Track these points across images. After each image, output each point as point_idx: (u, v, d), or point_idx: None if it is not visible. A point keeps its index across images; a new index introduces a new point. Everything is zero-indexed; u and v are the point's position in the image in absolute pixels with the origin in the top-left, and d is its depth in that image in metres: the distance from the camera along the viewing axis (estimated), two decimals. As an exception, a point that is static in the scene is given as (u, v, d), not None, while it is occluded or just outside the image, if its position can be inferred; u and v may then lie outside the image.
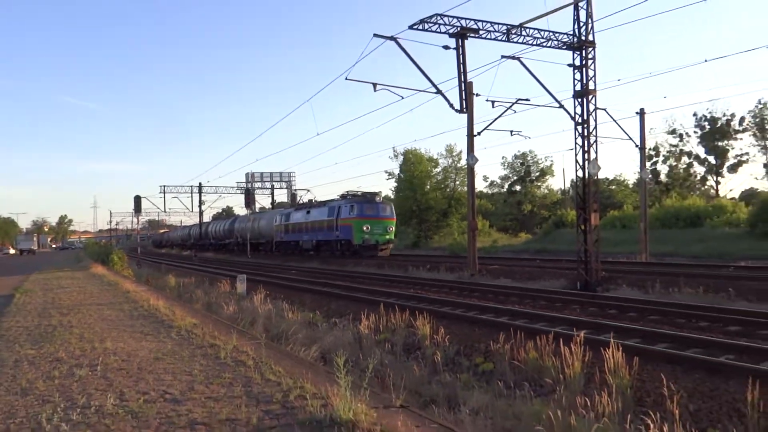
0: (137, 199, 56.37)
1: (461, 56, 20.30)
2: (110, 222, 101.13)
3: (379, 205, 37.45)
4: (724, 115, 39.69)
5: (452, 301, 15.07)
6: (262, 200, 75.93)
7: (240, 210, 78.32)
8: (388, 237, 37.12)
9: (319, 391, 5.61)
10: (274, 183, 75.42)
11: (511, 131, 28.21)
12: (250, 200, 65.06)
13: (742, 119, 39.56)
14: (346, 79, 21.58)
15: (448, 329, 10.76)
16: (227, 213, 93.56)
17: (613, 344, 7.23)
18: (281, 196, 78.31)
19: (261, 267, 35.38)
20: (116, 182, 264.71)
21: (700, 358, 7.93)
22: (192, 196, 62.05)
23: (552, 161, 63.29)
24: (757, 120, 39.10)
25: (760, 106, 39.55)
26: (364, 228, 36.02)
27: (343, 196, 40.27)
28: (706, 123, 39.31)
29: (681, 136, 46.48)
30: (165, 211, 71.28)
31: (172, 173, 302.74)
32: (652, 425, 5.27)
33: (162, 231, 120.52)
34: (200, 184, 61.56)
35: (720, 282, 15.57)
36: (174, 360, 7.29)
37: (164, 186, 62.00)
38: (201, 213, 63.46)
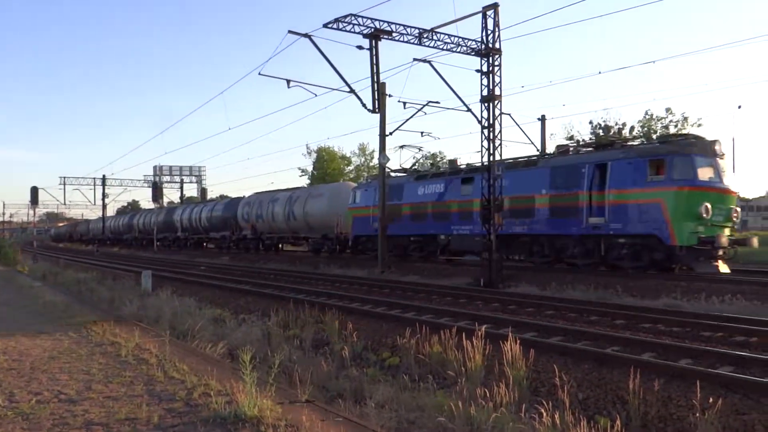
0: (34, 191, 52.79)
1: (374, 57, 20.52)
2: (2, 214, 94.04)
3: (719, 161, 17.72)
4: (616, 124, 42.38)
5: (362, 297, 15.26)
6: (171, 194, 73.24)
7: (147, 204, 75.00)
8: (729, 227, 17.75)
9: (224, 388, 5.58)
10: (183, 177, 72.94)
11: (422, 132, 28.76)
12: (157, 194, 62.54)
13: (632, 128, 42.38)
14: (260, 74, 21.25)
15: (357, 325, 10.92)
16: (133, 207, 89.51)
17: (511, 338, 7.60)
18: (191, 190, 75.90)
19: (169, 263, 34.16)
20: (10, 171, 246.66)
21: (589, 350, 8.49)
22: (95, 189, 58.81)
23: (460, 162, 65.06)
24: (645, 129, 42.01)
25: (647, 117, 42.50)
26: (702, 210, 16.46)
27: (601, 144, 20.96)
28: (600, 130, 41.74)
29: (578, 142, 49.21)
30: (65, 204, 67.12)
31: (73, 164, 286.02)
32: (544, 413, 5.61)
33: (61, 224, 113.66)
34: (104, 176, 58.46)
35: (609, 280, 16.63)
36: (71, 359, 7.00)
37: (64, 177, 58.38)
38: (104, 206, 60.31)
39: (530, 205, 20.46)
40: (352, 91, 21.74)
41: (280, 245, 39.26)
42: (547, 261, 20.85)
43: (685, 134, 21.17)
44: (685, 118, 41.85)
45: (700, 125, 41.54)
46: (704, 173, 17.10)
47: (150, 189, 62.68)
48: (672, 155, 17.20)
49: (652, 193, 17.21)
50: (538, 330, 10.21)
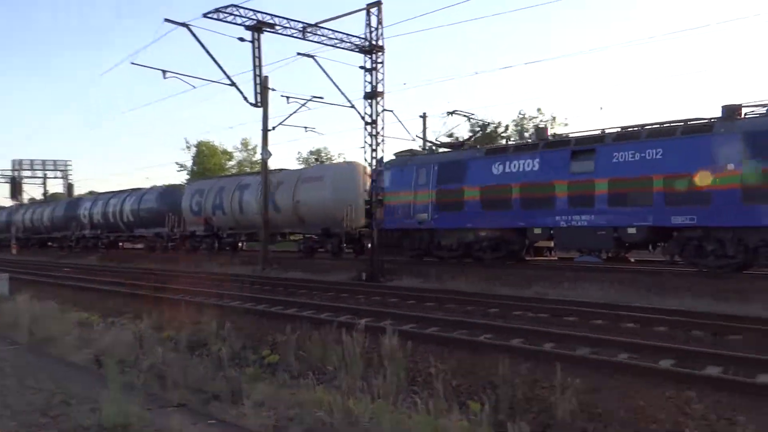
0: None
1: (257, 49, 20.13)
2: None
3: None
4: (492, 123, 44.55)
5: (242, 295, 14.95)
6: (32, 191, 67.55)
7: (5, 201, 68.57)
8: None
9: (88, 396, 5.26)
10: (47, 172, 67.51)
11: (306, 127, 28.50)
12: (16, 190, 57.58)
13: (507, 127, 44.61)
14: (132, 63, 20.14)
15: (236, 323, 10.67)
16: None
17: (389, 330, 7.76)
18: (56, 186, 70.38)
19: (30, 265, 31.54)
20: None
21: (463, 338, 8.87)
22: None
23: (345, 158, 65.24)
24: (518, 128, 44.41)
25: (520, 117, 44.97)
26: None
27: None
28: (479, 129, 43.70)
29: (457, 139, 51.28)
30: None
31: None
32: (419, 402, 5.78)
33: None
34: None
35: (488, 272, 17.46)
36: None
37: None
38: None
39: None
40: (233, 83, 21.22)
41: (240, 244, 32.18)
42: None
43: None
44: (554, 118, 44.65)
45: (566, 125, 44.52)
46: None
47: (8, 185, 57.55)
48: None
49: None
50: (417, 321, 10.50)
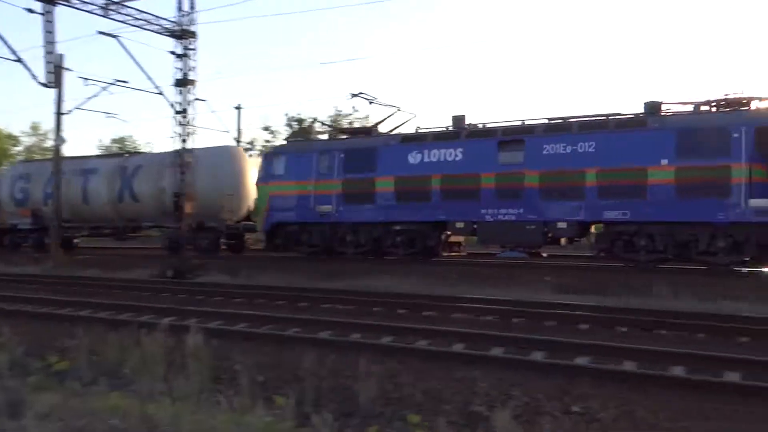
0: None
1: (49, 23, 18.17)
2: None
3: None
4: (308, 117, 44.95)
5: (24, 297, 13.43)
6: None
7: None
8: None
9: None
10: None
11: (107, 113, 26.34)
12: None
13: (323, 122, 45.43)
14: None
15: (18, 329, 9.56)
16: None
17: (194, 329, 7.50)
18: None
19: None
20: None
21: (271, 333, 8.86)
22: None
23: (152, 148, 61.32)
24: (335, 124, 45.44)
25: (336, 113, 45.96)
26: None
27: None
28: (295, 123, 43.76)
29: (273, 132, 50.90)
30: None
31: None
32: (223, 400, 5.67)
33: None
34: None
35: (296, 264, 17.61)
36: None
37: None
38: None
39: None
40: (18, 59, 18.92)
41: (75, 240, 27.23)
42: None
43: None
44: (367, 116, 46.13)
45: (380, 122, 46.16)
46: None
47: None
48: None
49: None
50: (225, 318, 10.27)
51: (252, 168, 22.79)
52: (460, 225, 17.45)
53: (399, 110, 20.63)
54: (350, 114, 46.48)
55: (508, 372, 6.71)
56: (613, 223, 15.67)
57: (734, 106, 15.17)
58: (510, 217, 16.46)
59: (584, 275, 14.89)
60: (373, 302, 11.67)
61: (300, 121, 44.74)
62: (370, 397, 6.15)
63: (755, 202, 13.95)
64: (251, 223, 22.73)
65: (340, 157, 19.07)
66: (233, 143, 26.67)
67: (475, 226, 17.21)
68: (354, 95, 21.07)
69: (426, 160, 17.76)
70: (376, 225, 18.56)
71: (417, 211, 17.82)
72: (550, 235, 16.40)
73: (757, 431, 5.16)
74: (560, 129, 16.51)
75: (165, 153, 24.22)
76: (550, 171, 15.98)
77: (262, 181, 20.91)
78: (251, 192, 22.37)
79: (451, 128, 18.31)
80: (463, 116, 18.23)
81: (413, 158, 17.92)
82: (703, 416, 5.39)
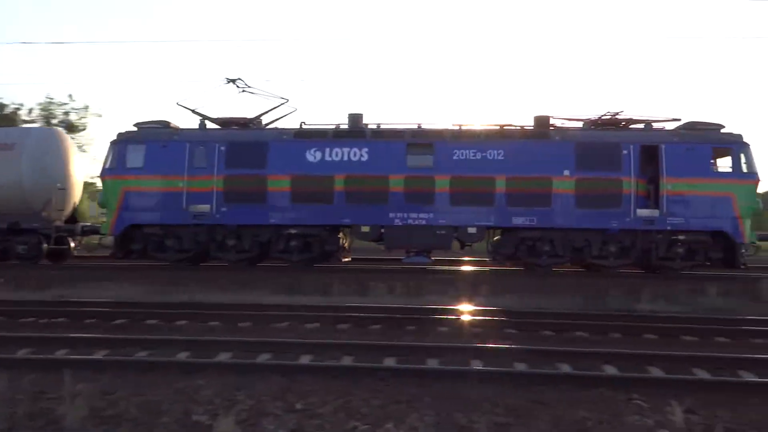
0: None
1: None
2: None
3: None
4: (13, 104, 39.05)
5: None
6: None
7: None
8: None
9: None
10: None
11: None
12: None
13: (31, 110, 39.95)
14: None
15: None
16: None
17: None
18: None
19: None
20: None
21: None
22: None
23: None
24: (46, 113, 40.27)
25: (48, 101, 40.79)
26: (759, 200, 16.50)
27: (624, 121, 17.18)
28: (-4, 108, 37.75)
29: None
30: None
31: None
32: None
33: None
34: None
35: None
36: None
37: None
38: None
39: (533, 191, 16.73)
40: None
41: None
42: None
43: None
44: (86, 107, 41.76)
45: (100, 116, 42.24)
46: None
47: None
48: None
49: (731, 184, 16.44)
50: None
51: (76, 156, 19.61)
52: (365, 229, 16.66)
53: (287, 101, 18.07)
54: (65, 103, 41.65)
55: (233, 377, 6.65)
56: (520, 229, 16.34)
57: (615, 124, 17.09)
58: (421, 222, 16.37)
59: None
60: (86, 313, 10.58)
61: (2, 106, 38.59)
62: (78, 418, 5.55)
63: (641, 212, 15.89)
64: (91, 225, 19.15)
65: (221, 150, 16.84)
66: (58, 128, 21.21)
67: (382, 230, 16.58)
68: (231, 81, 18.32)
69: (328, 158, 16.63)
70: (265, 228, 16.87)
71: (318, 214, 16.68)
72: (461, 240, 16.77)
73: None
74: (470, 136, 16.83)
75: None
76: (461, 176, 16.25)
77: (111, 173, 17.35)
78: (77, 186, 19.44)
79: (347, 127, 17.29)
80: (361, 115, 17.43)
81: (312, 156, 16.66)
82: (409, 399, 6.00)
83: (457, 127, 16.96)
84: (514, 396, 6.10)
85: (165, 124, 17.67)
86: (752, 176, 16.04)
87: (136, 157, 16.98)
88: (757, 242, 16.33)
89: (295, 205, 16.54)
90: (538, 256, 16.40)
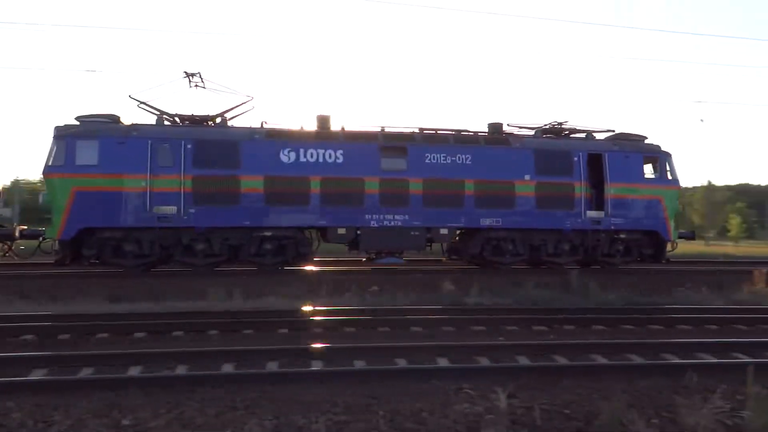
0: None
1: None
2: None
3: None
4: None
5: None
6: None
7: None
8: None
9: None
10: None
11: None
12: None
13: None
14: None
15: None
16: None
17: None
18: None
19: None
20: None
21: None
22: None
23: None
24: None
25: None
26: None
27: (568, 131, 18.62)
28: None
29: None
30: None
31: None
32: None
33: None
34: None
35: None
36: None
37: None
38: None
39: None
40: None
41: None
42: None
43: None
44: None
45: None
46: None
47: None
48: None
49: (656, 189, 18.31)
50: None
51: None
52: (341, 231, 16.61)
53: (251, 99, 17.30)
54: None
55: (49, 396, 6.03)
56: (486, 230, 17.20)
57: (559, 133, 18.54)
58: (396, 223, 16.68)
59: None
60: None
61: None
62: None
63: (590, 213, 17.57)
64: (30, 229, 17.08)
65: (187, 148, 15.72)
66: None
67: (358, 232, 16.60)
68: (190, 75, 17.02)
69: (303, 159, 16.33)
70: (239, 230, 16.08)
71: (294, 216, 16.40)
72: (434, 240, 17.29)
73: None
74: (439, 140, 17.30)
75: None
76: (433, 179, 16.75)
77: (59, 171, 15.46)
78: None
79: (317, 127, 17.10)
80: (329, 116, 17.25)
81: (286, 157, 16.26)
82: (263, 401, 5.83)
83: (427, 132, 17.55)
84: (352, 394, 6.19)
85: (114, 119, 16.20)
86: (676, 182, 18.39)
87: (88, 154, 15.41)
88: (677, 240, 18.62)
89: (269, 207, 16.15)
90: (502, 255, 17.47)
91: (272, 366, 7.32)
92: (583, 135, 18.71)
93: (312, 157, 16.33)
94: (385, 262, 17.12)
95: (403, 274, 16.05)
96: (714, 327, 10.53)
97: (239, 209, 15.95)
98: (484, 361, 7.69)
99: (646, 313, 11.34)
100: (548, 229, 17.47)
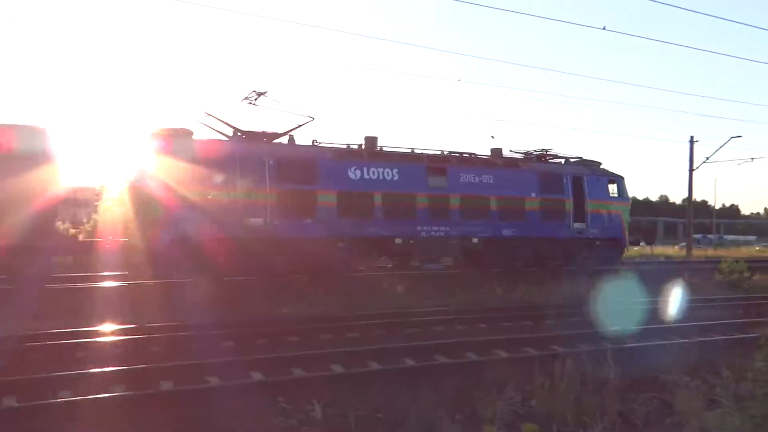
0: None
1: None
2: None
3: None
4: None
5: None
6: None
7: None
8: None
9: None
10: None
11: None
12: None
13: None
14: None
15: None
16: None
17: None
18: None
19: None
20: None
21: None
22: None
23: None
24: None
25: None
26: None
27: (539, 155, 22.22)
28: None
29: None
30: None
31: None
32: None
33: None
34: None
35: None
36: None
37: None
38: None
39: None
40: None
41: None
42: None
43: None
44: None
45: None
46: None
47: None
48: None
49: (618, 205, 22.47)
50: None
51: None
52: (398, 241, 17.90)
53: (312, 119, 17.66)
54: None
55: None
56: (506, 239, 19.60)
57: (544, 158, 21.85)
58: (440, 234, 18.45)
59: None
60: None
61: None
62: None
63: (576, 225, 20.76)
64: None
65: (270, 164, 16.09)
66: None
67: (411, 242, 17.99)
68: (259, 94, 17.51)
69: (366, 177, 17.66)
70: (320, 240, 16.45)
71: (367, 226, 17.48)
72: (467, 249, 18.92)
73: None
74: (469, 162, 19.72)
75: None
76: (467, 195, 18.86)
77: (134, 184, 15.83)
78: None
79: (365, 147, 18.54)
80: (376, 137, 18.80)
81: (353, 174, 17.50)
82: None
83: (458, 155, 19.94)
84: (162, 414, 5.81)
85: (188, 133, 16.28)
86: (628, 200, 23.06)
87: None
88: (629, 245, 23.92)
89: (341, 219, 16.98)
90: (516, 260, 19.84)
91: (65, 394, 6.57)
92: (562, 160, 22.42)
93: (374, 174, 17.75)
94: (430, 267, 19.47)
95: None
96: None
97: (315, 221, 16.74)
98: (299, 373, 7.64)
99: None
100: (547, 237, 20.37)
